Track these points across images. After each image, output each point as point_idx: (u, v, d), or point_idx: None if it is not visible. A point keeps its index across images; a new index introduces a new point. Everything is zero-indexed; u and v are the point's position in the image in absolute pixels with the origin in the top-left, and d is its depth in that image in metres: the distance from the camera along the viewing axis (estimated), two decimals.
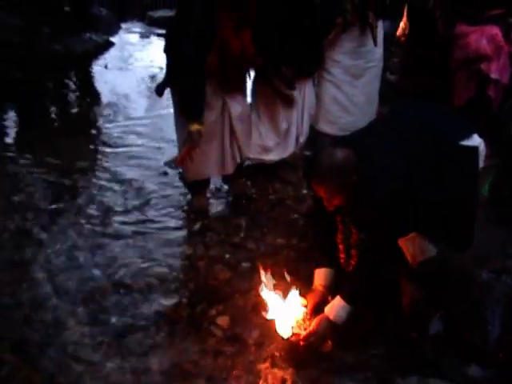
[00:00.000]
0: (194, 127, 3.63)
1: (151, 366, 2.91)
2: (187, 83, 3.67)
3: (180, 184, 4.72)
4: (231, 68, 3.83)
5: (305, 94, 4.38)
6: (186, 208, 4.44)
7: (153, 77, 7.80)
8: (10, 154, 5.30)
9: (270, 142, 4.43)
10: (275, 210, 4.43)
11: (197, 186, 4.41)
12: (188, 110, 3.71)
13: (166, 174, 4.96)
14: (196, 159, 3.99)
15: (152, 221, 4.22)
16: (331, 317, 2.91)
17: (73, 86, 7.55)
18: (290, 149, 4.54)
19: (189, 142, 3.68)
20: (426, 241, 3.07)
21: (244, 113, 4.21)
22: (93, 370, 2.88)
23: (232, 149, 4.23)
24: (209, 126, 3.97)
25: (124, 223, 4.17)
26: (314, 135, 4.62)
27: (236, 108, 4.11)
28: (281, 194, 4.66)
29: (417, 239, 3.04)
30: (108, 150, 5.50)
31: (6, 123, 6.18)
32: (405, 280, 3.25)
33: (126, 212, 4.32)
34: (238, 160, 4.32)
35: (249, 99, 4.47)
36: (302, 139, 4.54)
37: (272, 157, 4.50)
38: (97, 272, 3.63)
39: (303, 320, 3.04)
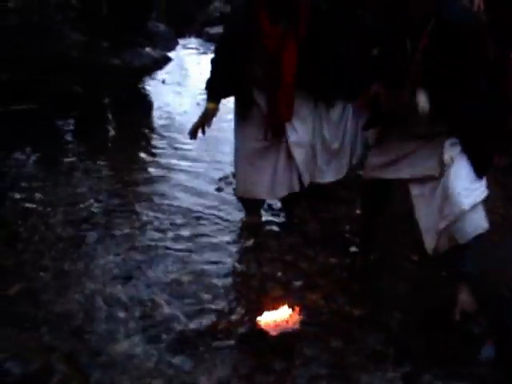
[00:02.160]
0: (210, 105, 4.00)
1: (200, 381, 2.93)
2: (213, 63, 4.01)
3: (234, 200, 4.75)
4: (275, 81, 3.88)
5: (358, 114, 4.35)
6: (239, 224, 4.47)
7: None
8: (67, 165, 5.43)
9: (323, 163, 4.40)
10: (328, 229, 4.41)
11: (250, 204, 4.43)
12: (208, 89, 4.03)
13: (220, 189, 5.01)
14: (248, 176, 4.13)
15: (205, 236, 4.26)
16: None
17: (130, 100, 7.67)
18: (343, 169, 4.49)
19: (201, 117, 4.04)
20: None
21: (301, 139, 4.15)
22: None
23: (286, 174, 4.21)
24: (264, 145, 4.05)
25: (177, 237, 4.22)
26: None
27: (292, 134, 4.10)
28: (334, 213, 4.65)
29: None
30: (163, 162, 5.58)
31: (65, 135, 6.35)
32: (459, 287, 3.30)
33: (180, 226, 4.38)
34: (296, 188, 4.28)
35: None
36: (354, 160, 4.49)
37: (328, 179, 4.46)
38: (149, 286, 3.68)
39: None
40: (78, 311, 3.43)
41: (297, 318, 3.27)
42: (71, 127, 6.65)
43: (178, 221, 4.46)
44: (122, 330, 3.29)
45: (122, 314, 3.41)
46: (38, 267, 3.85)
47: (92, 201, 4.73)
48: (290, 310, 3.31)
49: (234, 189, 4.85)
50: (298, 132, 4.11)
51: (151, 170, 5.51)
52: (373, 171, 3.52)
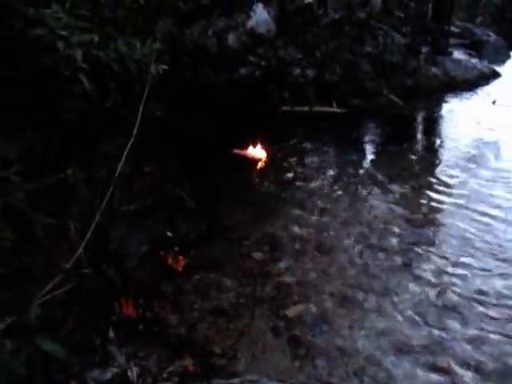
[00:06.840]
0: None
1: None
2: None
3: None
4: None
5: None
6: None
7: None
8: (364, 186, 5.40)
9: None
10: None
11: None
12: None
13: None
14: None
15: None
16: None
17: (445, 118, 7.32)
18: None
19: None
20: None
21: None
22: None
23: None
24: None
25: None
26: None
27: None
28: None
29: None
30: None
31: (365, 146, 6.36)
32: None
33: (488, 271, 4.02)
34: None
35: None
36: None
37: None
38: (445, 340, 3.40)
39: None
40: (363, 350, 3.28)
41: None
42: (375, 139, 6.55)
43: (487, 266, 4.11)
44: (406, 380, 3.07)
45: (409, 362, 3.19)
46: (324, 291, 3.77)
47: (385, 226, 4.60)
48: None
49: None
50: None
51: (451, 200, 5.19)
52: None
